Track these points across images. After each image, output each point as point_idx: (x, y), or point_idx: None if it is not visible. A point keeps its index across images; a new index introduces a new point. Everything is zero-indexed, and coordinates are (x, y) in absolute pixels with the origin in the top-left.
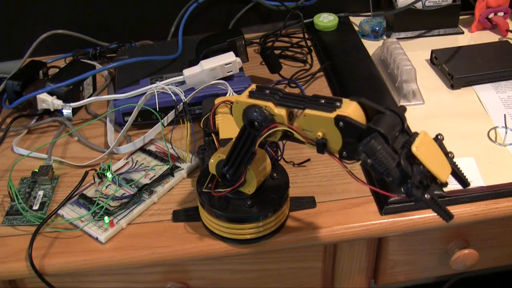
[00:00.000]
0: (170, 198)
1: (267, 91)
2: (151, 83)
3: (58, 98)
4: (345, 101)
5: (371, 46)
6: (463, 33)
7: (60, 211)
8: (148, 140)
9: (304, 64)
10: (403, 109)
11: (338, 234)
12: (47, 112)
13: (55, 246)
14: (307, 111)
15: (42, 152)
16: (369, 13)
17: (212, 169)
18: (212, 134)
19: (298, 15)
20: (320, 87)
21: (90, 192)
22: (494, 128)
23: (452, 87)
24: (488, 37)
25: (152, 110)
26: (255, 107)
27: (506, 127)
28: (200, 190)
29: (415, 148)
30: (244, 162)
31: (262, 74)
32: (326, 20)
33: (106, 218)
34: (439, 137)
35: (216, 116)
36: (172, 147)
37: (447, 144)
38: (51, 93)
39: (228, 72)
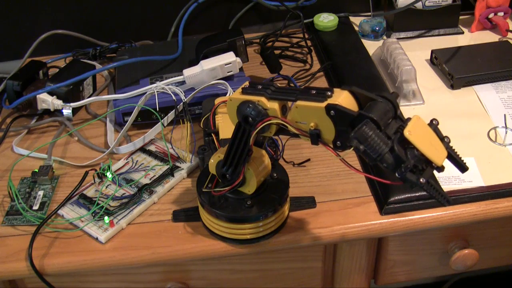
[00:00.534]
0: (170, 198)
1: (259, 87)
2: (151, 83)
3: (58, 98)
4: (336, 90)
5: (371, 46)
6: (463, 33)
7: (60, 211)
8: (148, 140)
9: (304, 64)
10: (395, 95)
11: (338, 234)
12: (47, 112)
13: (55, 246)
14: (299, 102)
15: (42, 152)
16: (369, 13)
17: (212, 169)
18: (212, 134)
19: (298, 15)
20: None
21: (90, 192)
22: (494, 128)
23: (452, 87)
24: (488, 37)
25: (152, 110)
26: (248, 102)
27: (506, 127)
28: (200, 190)
29: (407, 132)
30: (242, 160)
31: (262, 74)
32: (326, 20)
33: (106, 218)
34: (433, 122)
35: (216, 116)
36: (172, 147)
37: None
38: (51, 93)
39: (228, 72)
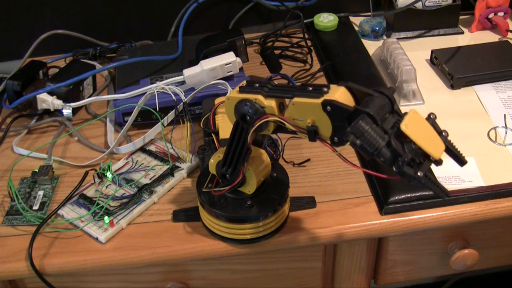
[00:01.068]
0: (170, 198)
1: (257, 85)
2: (151, 83)
3: (58, 98)
4: (333, 86)
5: (371, 46)
6: (463, 33)
7: (60, 211)
8: (148, 140)
9: (304, 64)
10: (392, 90)
11: (338, 234)
12: (47, 112)
13: (55, 246)
14: (296, 99)
15: (42, 152)
16: (369, 13)
17: (212, 169)
18: (212, 134)
19: (298, 15)
20: None
21: (90, 192)
22: (494, 128)
23: (452, 87)
24: (488, 37)
25: (152, 110)
26: (246, 101)
27: (506, 127)
28: (200, 190)
29: (404, 126)
30: (241, 159)
31: (262, 74)
32: (326, 20)
33: (106, 218)
34: (431, 116)
35: (216, 116)
36: (172, 147)
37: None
38: (51, 93)
39: (228, 72)
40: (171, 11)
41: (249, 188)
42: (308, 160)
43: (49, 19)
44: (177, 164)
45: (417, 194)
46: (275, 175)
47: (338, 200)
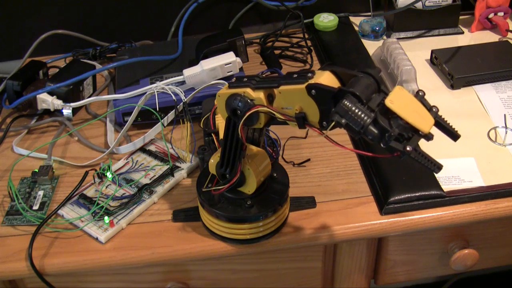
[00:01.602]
0: (170, 198)
1: (245, 79)
2: (151, 83)
3: (58, 98)
4: (318, 72)
5: (371, 46)
6: (463, 33)
7: (60, 211)
8: (148, 140)
9: (304, 64)
10: (378, 70)
11: (338, 234)
12: (47, 112)
13: (55, 246)
14: (281, 87)
15: (42, 152)
16: (369, 13)
17: (212, 169)
18: (212, 134)
19: (298, 15)
20: None
21: (90, 192)
22: (494, 128)
23: (452, 87)
24: (488, 37)
25: (152, 110)
26: (235, 95)
27: (506, 127)
28: (200, 190)
29: (389, 101)
30: (237, 156)
31: None
32: (326, 20)
33: (106, 218)
34: (420, 93)
35: (216, 116)
36: (172, 147)
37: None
38: (51, 93)
39: (228, 72)
40: (171, 11)
41: (249, 188)
42: (308, 160)
43: (49, 19)
44: (177, 164)
45: (417, 194)
46: (275, 175)
47: (338, 200)
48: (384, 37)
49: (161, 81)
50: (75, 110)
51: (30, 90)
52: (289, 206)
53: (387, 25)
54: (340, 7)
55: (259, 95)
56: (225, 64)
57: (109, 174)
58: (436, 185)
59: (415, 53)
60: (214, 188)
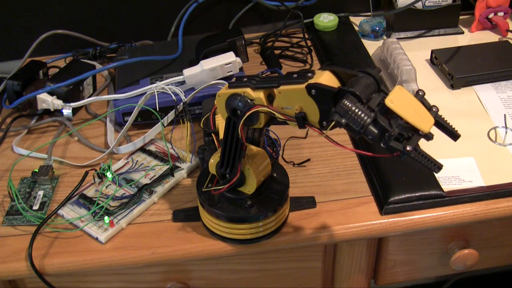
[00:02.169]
0: (170, 198)
1: (245, 79)
2: (151, 83)
3: (58, 98)
4: (318, 72)
5: (371, 46)
6: (463, 33)
7: (60, 211)
8: (148, 140)
9: (304, 64)
10: (378, 70)
11: (338, 234)
12: (47, 112)
13: (55, 246)
14: (281, 87)
15: (42, 152)
16: (369, 13)
17: (212, 169)
18: (212, 134)
19: (298, 15)
20: None
21: (90, 192)
22: (494, 128)
23: (452, 87)
24: (488, 37)
25: (152, 110)
26: (235, 95)
27: (506, 127)
28: (200, 190)
29: (389, 101)
30: (237, 156)
31: None
32: (326, 20)
33: (106, 218)
34: (420, 92)
35: (216, 116)
36: (172, 147)
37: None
38: (51, 93)
39: (228, 72)
40: (171, 11)
41: (249, 188)
42: (308, 160)
43: (49, 19)
44: (177, 164)
45: (417, 194)
46: (275, 175)
47: (338, 200)
48: (384, 37)
49: (161, 81)
50: (75, 110)
51: (30, 90)
52: (289, 206)
53: (387, 25)
54: (340, 7)
55: (259, 95)
56: (225, 64)
57: (109, 174)
58: (436, 185)
59: (415, 53)
60: (214, 188)
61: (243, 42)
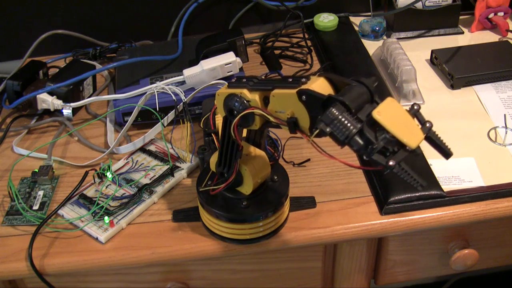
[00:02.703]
0: (170, 198)
1: (244, 80)
2: (151, 83)
3: (58, 98)
4: (313, 78)
5: (371, 46)
6: (463, 33)
7: (60, 211)
8: (148, 140)
9: (304, 64)
10: (373, 80)
11: (338, 234)
12: (47, 112)
13: (55, 246)
14: (275, 91)
15: (42, 152)
16: (369, 13)
17: (213, 167)
18: (212, 134)
19: (298, 15)
20: None
21: (90, 192)
22: (494, 128)
23: (452, 87)
24: (488, 37)
25: (152, 110)
26: (232, 95)
27: (506, 127)
28: (199, 189)
29: (376, 112)
30: (233, 156)
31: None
32: (326, 20)
33: (106, 218)
34: (415, 107)
35: (216, 116)
36: (172, 147)
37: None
38: (51, 93)
39: (228, 72)
40: (171, 11)
41: (246, 188)
42: (308, 160)
43: (49, 19)
44: (177, 164)
45: (417, 194)
46: (275, 178)
47: (338, 200)
48: (384, 37)
49: (161, 81)
50: (75, 110)
51: (30, 90)
52: (289, 206)
53: (387, 25)
54: (340, 7)
55: (255, 97)
56: (225, 64)
57: (109, 174)
58: (436, 185)
59: (415, 53)
60: (211, 188)
61: (243, 42)
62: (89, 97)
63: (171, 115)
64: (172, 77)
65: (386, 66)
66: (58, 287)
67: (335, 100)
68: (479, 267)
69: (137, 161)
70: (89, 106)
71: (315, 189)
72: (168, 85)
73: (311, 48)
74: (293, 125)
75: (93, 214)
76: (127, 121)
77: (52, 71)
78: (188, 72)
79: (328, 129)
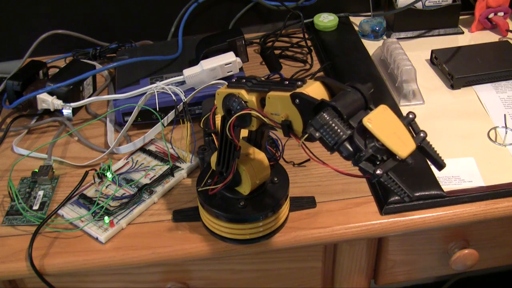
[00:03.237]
0: (170, 198)
1: (243, 80)
2: (151, 83)
3: (58, 98)
4: (309, 81)
5: (371, 46)
6: (463, 33)
7: (60, 211)
8: (148, 140)
9: (304, 64)
10: (368, 86)
11: (338, 234)
12: (47, 112)
13: (55, 246)
14: (271, 93)
15: (42, 152)
16: (369, 13)
17: (213, 165)
18: (212, 134)
19: (298, 15)
20: None
21: (90, 192)
22: (494, 128)
23: (452, 87)
24: (488, 37)
25: (152, 110)
26: (231, 95)
27: (506, 127)
28: (198, 188)
29: (367, 120)
30: (231, 156)
31: (262, 74)
32: (326, 20)
33: (106, 218)
34: (410, 115)
35: (216, 116)
36: (172, 147)
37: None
38: (51, 93)
39: (228, 72)
40: (171, 11)
41: (244, 188)
42: (308, 160)
43: (49, 19)
44: (177, 164)
45: (417, 194)
46: (276, 179)
47: (338, 200)
48: (384, 37)
49: (161, 81)
50: (75, 110)
51: (30, 90)
52: (289, 206)
53: (387, 25)
54: (340, 7)
55: (252, 98)
56: (225, 64)
57: (109, 174)
58: (436, 185)
59: (415, 53)
60: (210, 187)
61: (243, 42)
62: (89, 97)
63: (171, 115)
64: (172, 77)
65: (386, 66)
66: (58, 287)
67: (327, 105)
68: (479, 267)
69: (137, 161)
70: (89, 106)
71: (315, 189)
72: (168, 85)
73: (311, 48)
74: (287, 128)
75: (93, 214)
76: (127, 121)
77: (52, 71)
78: (188, 72)
79: (317, 134)
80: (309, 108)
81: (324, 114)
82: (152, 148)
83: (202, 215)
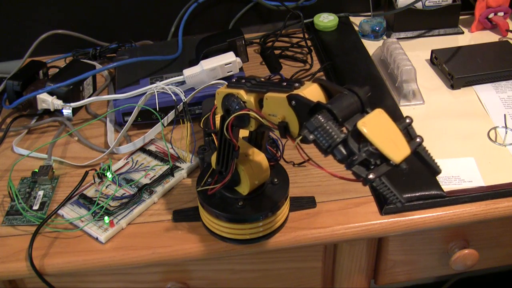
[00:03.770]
0: (170, 198)
1: (243, 80)
2: (151, 83)
3: (58, 98)
4: (307, 83)
5: (371, 46)
6: (463, 33)
7: (60, 211)
8: (148, 140)
9: (304, 64)
10: (366, 90)
11: (338, 234)
12: (47, 112)
13: (55, 246)
14: (268, 94)
15: (42, 152)
16: (369, 13)
17: (214, 165)
18: (212, 134)
19: (298, 15)
20: None
21: (90, 192)
22: (494, 128)
23: (452, 87)
24: (488, 37)
25: (152, 110)
26: (230, 95)
27: (506, 127)
28: (198, 188)
29: (361, 124)
30: (230, 155)
31: (262, 74)
32: (326, 20)
33: (106, 218)
34: (407, 120)
35: (216, 116)
36: (172, 147)
37: (447, 144)
38: (51, 93)
39: (228, 72)
40: (171, 11)
41: (243, 188)
42: (308, 160)
43: (49, 19)
44: (177, 164)
45: (417, 194)
46: (276, 180)
47: (338, 200)
48: (384, 37)
49: (161, 81)
50: (75, 110)
51: (30, 90)
52: (289, 206)
53: (387, 25)
54: (340, 7)
55: (250, 98)
56: (225, 64)
57: (109, 174)
58: (436, 185)
59: (415, 53)
60: (210, 187)
61: (243, 42)
62: (89, 97)
63: (171, 115)
64: (172, 77)
65: (386, 66)
66: (58, 287)
67: (322, 107)
68: (479, 267)
69: (137, 161)
70: (89, 106)
71: (315, 189)
72: (168, 85)
73: (311, 48)
74: (283, 129)
75: (93, 214)
76: (127, 121)
77: (52, 71)
78: (188, 72)
79: (311, 137)
80: (305, 110)
81: (319, 117)
82: (152, 148)
83: (202, 215)
